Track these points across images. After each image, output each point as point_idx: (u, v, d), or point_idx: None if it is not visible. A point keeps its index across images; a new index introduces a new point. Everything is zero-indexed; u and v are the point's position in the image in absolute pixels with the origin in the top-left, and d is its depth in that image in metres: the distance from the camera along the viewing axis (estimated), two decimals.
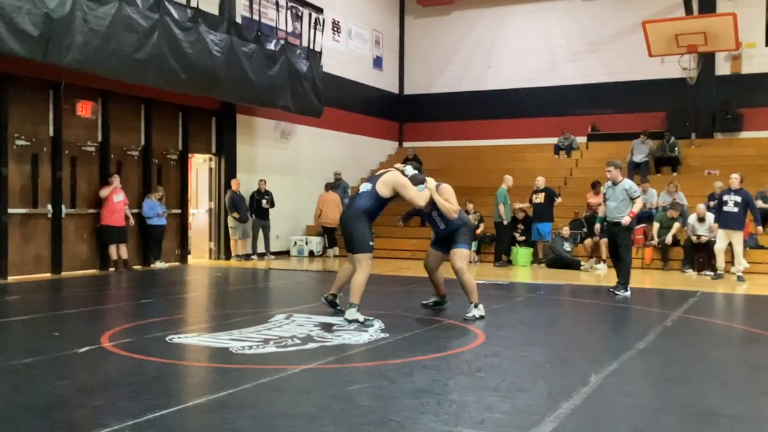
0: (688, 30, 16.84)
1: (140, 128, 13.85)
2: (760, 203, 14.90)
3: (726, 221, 12.29)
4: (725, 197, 12.26)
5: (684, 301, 9.54)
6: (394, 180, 7.27)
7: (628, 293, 9.94)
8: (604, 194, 10.43)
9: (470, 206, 15.49)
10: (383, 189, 7.23)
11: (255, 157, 16.45)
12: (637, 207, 9.95)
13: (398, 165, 7.65)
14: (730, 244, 12.48)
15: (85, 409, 4.32)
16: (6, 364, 5.32)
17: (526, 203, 15.18)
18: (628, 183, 10.14)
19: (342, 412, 4.18)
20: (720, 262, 12.59)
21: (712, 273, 13.09)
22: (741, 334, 7.27)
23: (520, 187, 15.63)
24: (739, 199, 12.12)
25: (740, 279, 12.19)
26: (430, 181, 7.61)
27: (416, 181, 7.37)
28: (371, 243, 7.27)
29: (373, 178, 7.48)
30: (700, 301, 9.76)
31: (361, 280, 7.13)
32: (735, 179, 12.30)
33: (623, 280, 10.02)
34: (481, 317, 7.53)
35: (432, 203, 7.54)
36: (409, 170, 7.48)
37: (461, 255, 7.66)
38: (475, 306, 7.60)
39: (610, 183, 10.19)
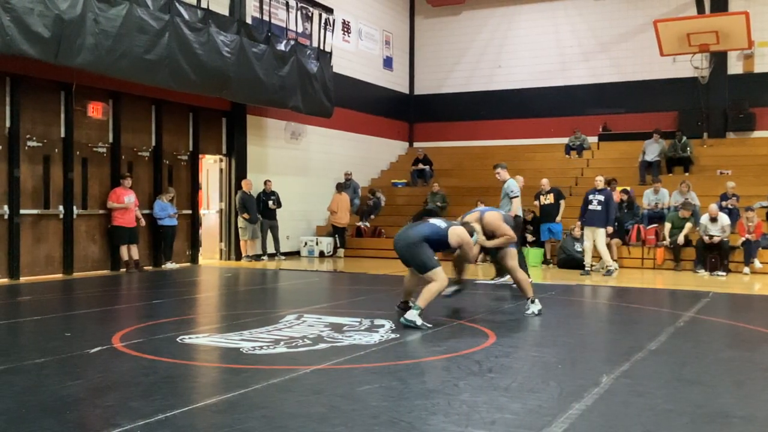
0: (700, 29, 16.74)
1: (151, 129, 13.90)
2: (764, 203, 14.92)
3: (591, 219, 13.05)
4: (590, 197, 13.03)
5: (696, 301, 9.49)
6: (464, 240, 7.39)
7: (500, 280, 10.79)
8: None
9: (481, 206, 15.44)
10: (453, 240, 7.33)
11: (265, 158, 16.48)
12: (513, 207, 10.70)
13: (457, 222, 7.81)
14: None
15: (97, 409, 4.33)
16: (18, 365, 5.35)
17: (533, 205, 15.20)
18: (508, 183, 10.87)
19: (352, 412, 4.18)
20: (588, 259, 13.30)
21: (724, 273, 13.07)
22: (753, 335, 7.22)
23: (532, 187, 15.58)
24: (602, 198, 12.92)
25: (609, 272, 12.93)
26: (472, 219, 7.88)
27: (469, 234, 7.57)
28: (435, 258, 7.32)
29: (443, 220, 7.61)
30: (712, 301, 9.70)
31: (434, 289, 7.13)
32: (599, 181, 13.17)
33: (498, 273, 10.95)
34: (540, 312, 7.79)
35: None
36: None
37: (511, 254, 7.90)
38: (532, 302, 7.86)
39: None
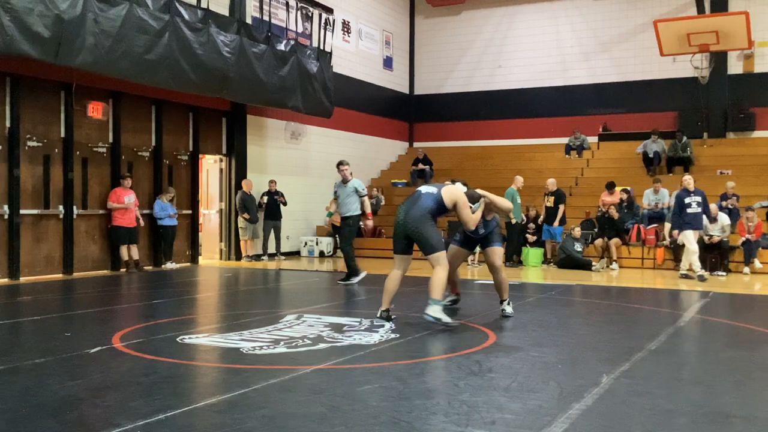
0: (700, 29, 16.75)
1: (151, 129, 13.90)
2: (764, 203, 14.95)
3: (695, 222, 12.48)
4: (686, 200, 12.42)
5: (696, 301, 9.48)
6: (457, 195, 7.18)
7: (356, 279, 10.99)
8: (335, 191, 11.50)
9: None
10: (447, 199, 7.13)
11: (265, 158, 16.48)
12: (365, 205, 11.19)
13: (449, 182, 7.62)
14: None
15: (97, 409, 4.33)
16: (18, 365, 5.35)
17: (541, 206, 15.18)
18: (357, 182, 11.30)
19: (352, 412, 4.18)
20: (696, 261, 12.40)
21: (724, 273, 13.08)
22: (754, 335, 7.22)
23: (532, 187, 15.60)
24: (699, 199, 12.44)
25: (702, 278, 12.09)
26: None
27: (471, 198, 7.33)
28: (443, 239, 7.24)
29: (432, 184, 7.43)
30: (712, 301, 9.70)
31: (443, 277, 6.96)
32: (689, 180, 12.62)
33: (350, 270, 11.09)
34: (511, 314, 7.76)
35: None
36: (460, 186, 7.44)
37: (499, 253, 7.87)
38: (508, 303, 7.85)
39: (339, 181, 11.30)
